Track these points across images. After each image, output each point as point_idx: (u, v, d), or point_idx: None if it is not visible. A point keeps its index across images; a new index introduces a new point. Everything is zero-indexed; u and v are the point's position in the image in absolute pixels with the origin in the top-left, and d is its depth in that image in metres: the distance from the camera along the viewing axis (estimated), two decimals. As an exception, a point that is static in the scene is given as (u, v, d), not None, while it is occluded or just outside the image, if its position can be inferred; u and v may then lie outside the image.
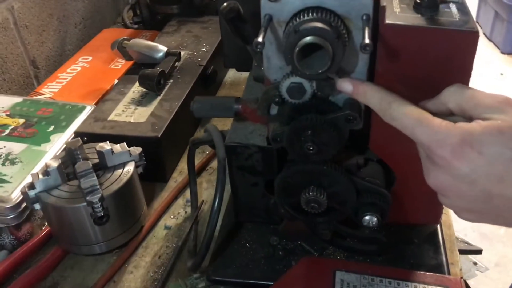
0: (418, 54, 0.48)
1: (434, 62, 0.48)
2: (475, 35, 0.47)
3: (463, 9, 0.50)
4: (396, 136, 0.55)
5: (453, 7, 0.50)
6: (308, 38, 0.45)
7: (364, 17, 0.47)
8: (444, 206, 0.62)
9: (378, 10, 0.48)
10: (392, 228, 0.64)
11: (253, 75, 0.64)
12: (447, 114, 0.45)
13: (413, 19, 0.48)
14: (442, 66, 0.48)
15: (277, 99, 0.53)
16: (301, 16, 0.46)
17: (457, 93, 0.44)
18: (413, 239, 0.64)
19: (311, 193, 0.54)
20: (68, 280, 0.67)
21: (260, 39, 0.44)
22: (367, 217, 0.55)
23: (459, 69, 0.49)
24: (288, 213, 0.59)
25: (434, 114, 0.43)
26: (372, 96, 0.46)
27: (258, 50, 0.44)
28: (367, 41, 0.43)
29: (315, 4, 0.46)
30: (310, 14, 0.46)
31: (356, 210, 0.56)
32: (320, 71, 0.46)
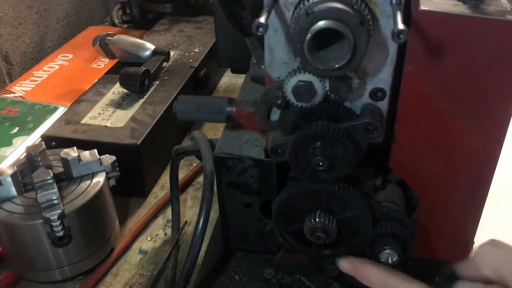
0: (460, 50, 0.38)
1: (480, 60, 0.38)
2: (533, 28, 0.37)
3: (513, -2, 0.40)
4: (424, 153, 0.45)
5: (501, -4, 0.41)
6: (323, 22, 0.35)
7: (394, 1, 0.37)
8: (474, 241, 0.52)
9: (411, -6, 0.39)
10: (409, 262, 0.54)
11: (251, 75, 0.54)
12: (484, 282, 0.36)
13: (455, 6, 0.38)
14: (491, 66, 0.38)
15: (279, 102, 0.43)
16: (315, -4, 0.36)
17: (493, 254, 0.36)
18: (434, 277, 0.54)
19: (317, 220, 0.44)
20: (19, 312, 0.56)
21: (262, 19, 0.34)
22: (386, 252, 0.44)
23: (507, 75, 0.39)
24: (288, 242, 0.48)
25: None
26: (375, 279, 0.42)
27: (259, 33, 0.34)
28: (401, 26, 0.33)
29: (334, -20, 0.37)
30: (327, -7, 0.36)
31: (372, 242, 0.45)
32: (337, 65, 0.36)
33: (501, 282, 0.35)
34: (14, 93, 0.87)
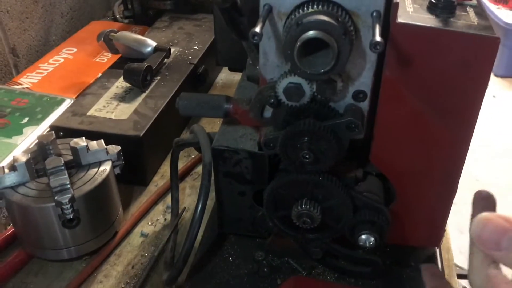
0: (432, 58, 0.43)
1: (449, 68, 0.44)
2: (496, 41, 0.42)
3: (481, 13, 0.46)
4: (401, 148, 0.50)
5: (470, 11, 0.46)
6: (311, 32, 0.40)
7: (375, 14, 0.42)
8: (445, 228, 0.58)
9: (390, 8, 0.44)
10: (388, 249, 0.59)
11: (247, 74, 0.59)
12: None
13: (428, 20, 0.43)
14: (458, 72, 0.43)
15: (272, 100, 0.47)
16: (305, 8, 0.41)
17: None
18: (410, 262, 0.59)
19: (303, 206, 0.49)
20: (30, 287, 0.60)
21: (257, 29, 0.39)
22: (363, 237, 0.50)
23: (477, 77, 0.44)
24: (277, 227, 0.53)
25: None
26: None
27: (255, 41, 0.39)
28: (378, 38, 0.38)
29: (321, -5, 0.41)
30: (315, 7, 0.41)
31: (352, 228, 0.51)
32: (323, 70, 0.41)
33: None
34: (21, 84, 0.91)
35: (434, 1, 0.45)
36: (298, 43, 0.40)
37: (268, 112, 0.50)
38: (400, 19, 0.43)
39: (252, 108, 0.50)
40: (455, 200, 0.78)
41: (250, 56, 0.55)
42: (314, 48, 0.42)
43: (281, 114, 0.48)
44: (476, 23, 0.43)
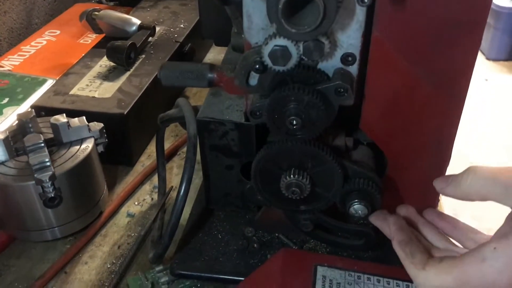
0: (422, 15, 0.41)
1: (441, 27, 0.42)
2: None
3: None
4: (391, 114, 0.49)
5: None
6: (296, -12, 0.38)
7: (363, -31, 0.40)
8: (440, 195, 0.56)
9: (379, -37, 0.42)
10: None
11: (232, 44, 0.57)
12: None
13: (419, -25, 0.41)
14: (450, 32, 0.42)
15: (257, 66, 0.45)
16: (289, -36, 0.39)
17: (478, 184, 0.40)
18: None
19: (292, 176, 0.47)
20: (12, 270, 0.58)
21: (239, -16, 0.37)
22: (355, 207, 0.48)
23: (468, 38, 0.42)
24: (266, 199, 0.51)
25: None
26: None
27: (236, -2, 0.37)
28: (366, -9, 0.36)
29: (306, -51, 0.39)
30: (300, -38, 0.39)
31: (343, 198, 0.49)
32: (309, 29, 0.39)
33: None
34: (2, 67, 0.88)
35: (424, -44, 0.43)
36: (282, 1, 0.38)
37: (254, 80, 0.48)
38: (389, -25, 0.41)
39: (237, 75, 0.48)
40: None
41: (235, 23, 0.53)
42: (299, 7, 0.40)
43: (267, 80, 0.46)
44: (468, -21, 0.42)
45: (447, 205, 0.65)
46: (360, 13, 0.42)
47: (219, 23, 0.64)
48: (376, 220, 0.50)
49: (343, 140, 0.51)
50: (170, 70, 0.51)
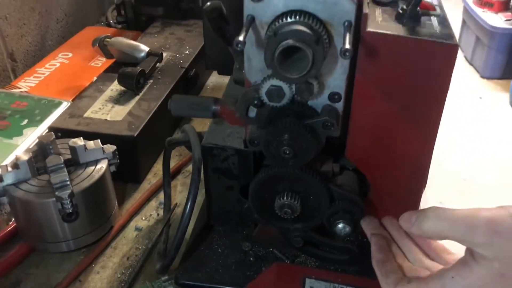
0: (397, 63, 0.48)
1: (412, 72, 0.48)
2: (454, 48, 0.47)
3: (444, 22, 0.51)
4: (373, 145, 0.55)
5: (434, 20, 0.51)
6: (288, 41, 0.44)
7: (346, 23, 0.46)
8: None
9: (361, 17, 0.48)
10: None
11: (234, 78, 0.63)
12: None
13: (395, 28, 0.48)
14: (421, 76, 0.48)
15: (256, 102, 0.52)
16: (283, 19, 0.46)
17: (438, 226, 0.44)
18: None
19: (285, 198, 0.54)
20: (31, 278, 0.64)
21: (241, 38, 0.44)
22: (340, 226, 0.54)
23: (438, 80, 0.49)
24: (262, 218, 0.58)
25: None
26: None
27: (238, 49, 0.44)
28: (347, 46, 0.43)
29: (298, 7, 0.46)
30: (292, 17, 0.46)
31: (329, 217, 0.55)
32: (300, 75, 0.46)
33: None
34: (19, 88, 0.95)
35: (401, 11, 0.50)
36: (277, 51, 0.45)
37: (253, 112, 0.54)
38: (369, 28, 0.48)
39: (238, 108, 0.55)
40: (441, 200, 0.82)
41: (237, 60, 0.60)
42: (293, 54, 0.46)
43: (264, 114, 0.53)
44: (438, 32, 0.48)
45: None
46: (344, 60, 0.49)
47: (222, 56, 0.70)
48: (367, 227, 0.55)
49: (331, 166, 0.57)
50: (179, 102, 0.57)
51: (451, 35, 0.48)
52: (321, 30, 0.46)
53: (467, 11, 1.41)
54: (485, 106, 1.24)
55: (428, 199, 0.82)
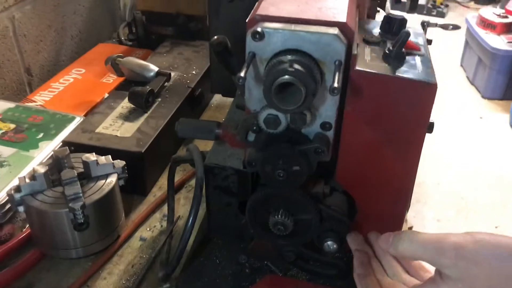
0: (382, 98, 0.54)
1: (396, 107, 0.54)
2: (434, 86, 0.52)
3: (426, 62, 0.56)
4: (361, 170, 0.60)
5: (418, 60, 0.56)
6: (284, 77, 0.50)
7: (337, 63, 0.52)
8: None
9: (350, 58, 0.54)
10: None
11: (236, 103, 0.69)
12: None
13: (380, 67, 0.54)
14: (403, 111, 0.54)
15: (255, 128, 0.57)
16: (281, 57, 0.51)
17: (412, 248, 0.49)
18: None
19: (278, 216, 0.59)
20: (42, 282, 0.70)
21: (242, 74, 0.49)
22: (328, 243, 0.60)
23: (419, 115, 0.54)
24: (257, 233, 0.63)
25: None
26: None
27: (240, 83, 0.49)
28: (336, 84, 0.48)
29: (294, 47, 0.52)
30: (289, 56, 0.51)
31: (319, 235, 0.60)
32: (294, 107, 0.51)
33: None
34: (35, 102, 1.01)
35: (387, 51, 0.55)
36: (274, 85, 0.50)
37: (252, 137, 0.60)
38: (358, 67, 0.53)
39: (239, 133, 0.60)
40: (439, 217, 0.86)
41: (238, 88, 0.65)
42: (288, 87, 0.52)
43: (262, 139, 0.58)
44: (419, 71, 0.54)
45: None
46: (335, 93, 0.55)
47: (226, 82, 0.76)
48: (352, 243, 0.60)
49: (321, 187, 0.62)
50: (185, 125, 0.63)
51: (430, 74, 0.54)
52: (314, 68, 0.52)
53: (469, 32, 1.44)
54: (485, 126, 1.25)
55: (426, 217, 0.86)
